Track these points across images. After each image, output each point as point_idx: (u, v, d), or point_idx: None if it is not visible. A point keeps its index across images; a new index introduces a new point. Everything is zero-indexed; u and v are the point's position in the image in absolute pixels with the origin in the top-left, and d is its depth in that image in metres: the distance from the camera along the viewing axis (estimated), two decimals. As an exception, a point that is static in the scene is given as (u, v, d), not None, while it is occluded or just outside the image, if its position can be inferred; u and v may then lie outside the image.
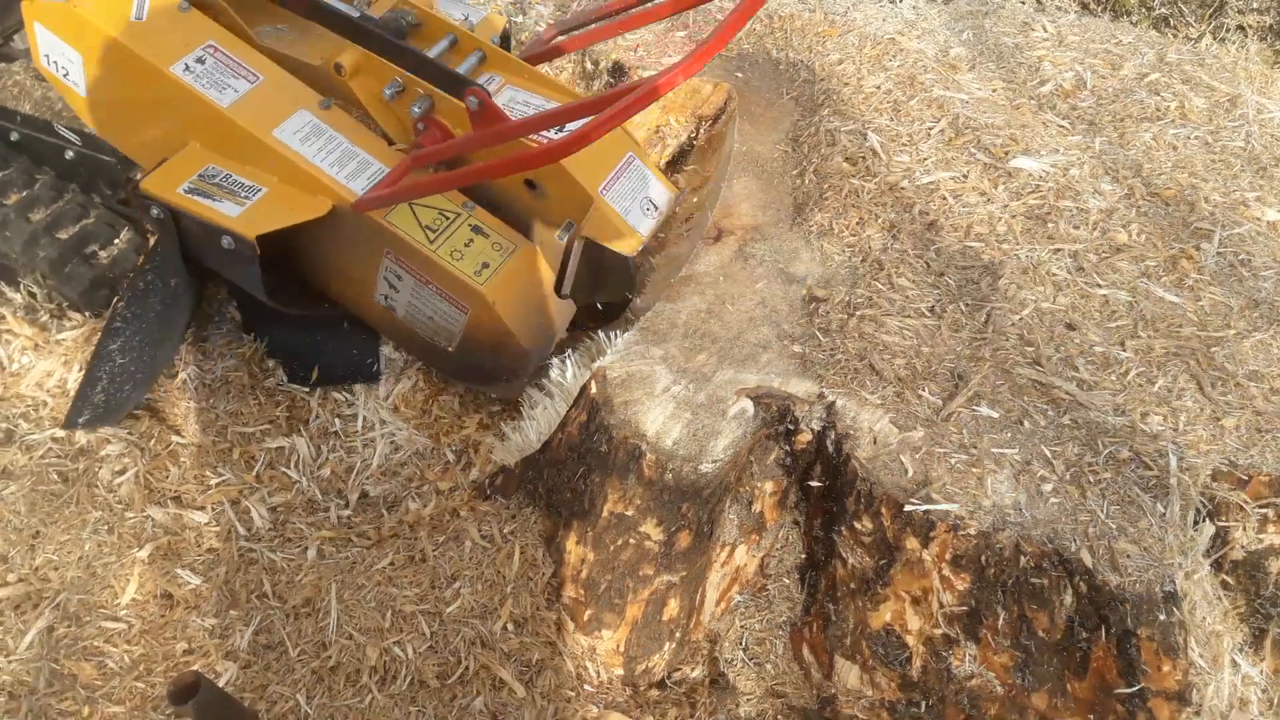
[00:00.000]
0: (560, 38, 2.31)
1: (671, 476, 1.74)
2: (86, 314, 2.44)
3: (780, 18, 2.76)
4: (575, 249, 2.04)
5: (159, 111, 1.98)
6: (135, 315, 2.25)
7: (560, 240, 2.05)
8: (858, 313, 1.94)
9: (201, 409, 2.24)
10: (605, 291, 2.13)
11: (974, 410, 1.79)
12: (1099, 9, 4.11)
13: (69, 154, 2.48)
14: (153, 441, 2.16)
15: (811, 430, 1.82)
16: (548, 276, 2.09)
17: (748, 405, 1.81)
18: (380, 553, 2.03)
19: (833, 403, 1.80)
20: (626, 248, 2.00)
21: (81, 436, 2.19)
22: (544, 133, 1.96)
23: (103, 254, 2.46)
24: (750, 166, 2.33)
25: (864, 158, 2.26)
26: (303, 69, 2.06)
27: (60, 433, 2.20)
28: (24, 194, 2.46)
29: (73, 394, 2.17)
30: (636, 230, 2.02)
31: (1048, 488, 1.65)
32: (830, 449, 1.79)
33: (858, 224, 2.13)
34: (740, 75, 2.56)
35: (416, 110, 1.97)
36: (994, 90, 2.55)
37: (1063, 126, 2.43)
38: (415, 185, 1.87)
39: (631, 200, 2.06)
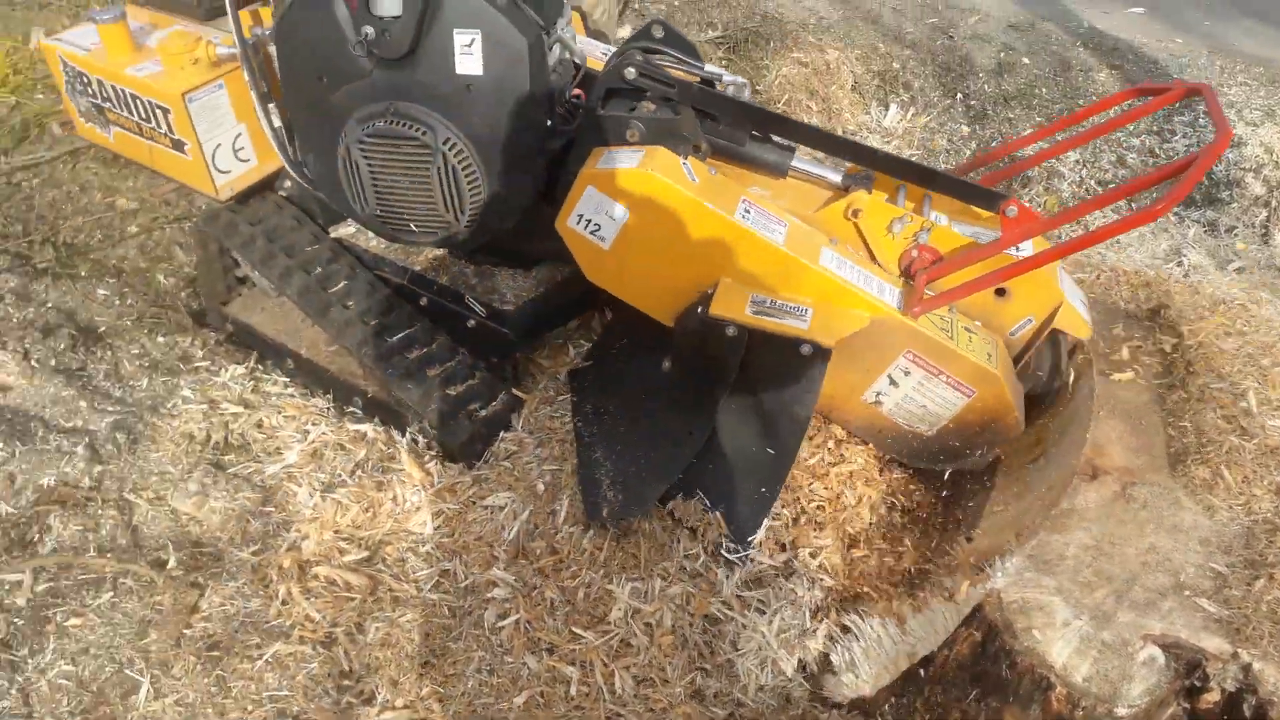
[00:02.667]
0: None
1: (1083, 714, 1.76)
2: (460, 464, 2.70)
3: (1124, 271, 2.92)
4: (1037, 338, 2.41)
5: (701, 257, 2.31)
6: (617, 425, 2.62)
7: (1014, 337, 2.42)
8: (1261, 575, 1.95)
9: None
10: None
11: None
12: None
13: (470, 323, 2.81)
14: (534, 591, 2.33)
15: (1223, 690, 1.81)
16: (1013, 368, 2.42)
17: (1157, 653, 1.82)
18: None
19: (1249, 665, 1.79)
20: (1085, 333, 2.40)
21: (464, 573, 2.38)
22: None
23: (483, 412, 2.74)
24: (1114, 408, 2.42)
25: (1237, 417, 2.31)
26: (800, 217, 2.41)
27: (449, 566, 2.40)
28: (425, 351, 2.79)
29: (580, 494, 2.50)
30: (1087, 321, 2.40)
31: None
32: (1247, 713, 1.77)
33: (1243, 482, 2.16)
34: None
35: (924, 237, 2.34)
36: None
37: None
38: (960, 289, 2.23)
39: (1074, 297, 2.42)
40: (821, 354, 2.21)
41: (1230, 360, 2.47)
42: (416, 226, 2.52)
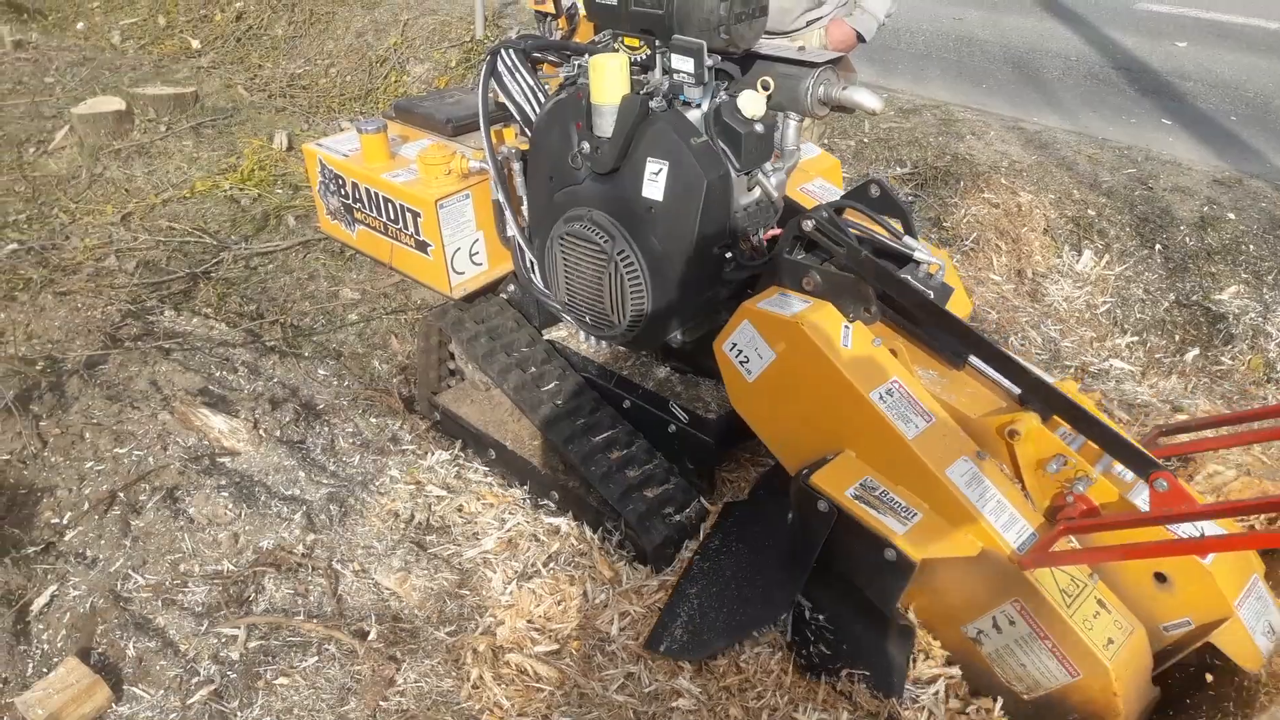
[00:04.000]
0: (1163, 439, 2.47)
1: None
2: (650, 566, 2.75)
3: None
4: (1189, 645, 2.10)
5: (831, 421, 2.27)
6: (721, 570, 2.57)
7: (1165, 633, 2.13)
8: None
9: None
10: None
11: None
12: None
13: (671, 428, 2.90)
14: (718, 706, 2.32)
15: None
16: (1148, 664, 2.11)
17: None
18: None
19: None
20: (1253, 664, 2.07)
21: (648, 679, 2.40)
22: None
23: (677, 517, 2.80)
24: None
25: None
26: (959, 418, 2.28)
27: (634, 669, 2.43)
28: (625, 452, 2.89)
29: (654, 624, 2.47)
30: (1260, 652, 2.08)
31: None
32: None
33: None
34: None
35: (1080, 488, 2.13)
36: None
37: None
38: (1093, 553, 2.02)
39: (1256, 621, 2.10)
40: (905, 565, 2.05)
41: None
42: (590, 319, 2.76)
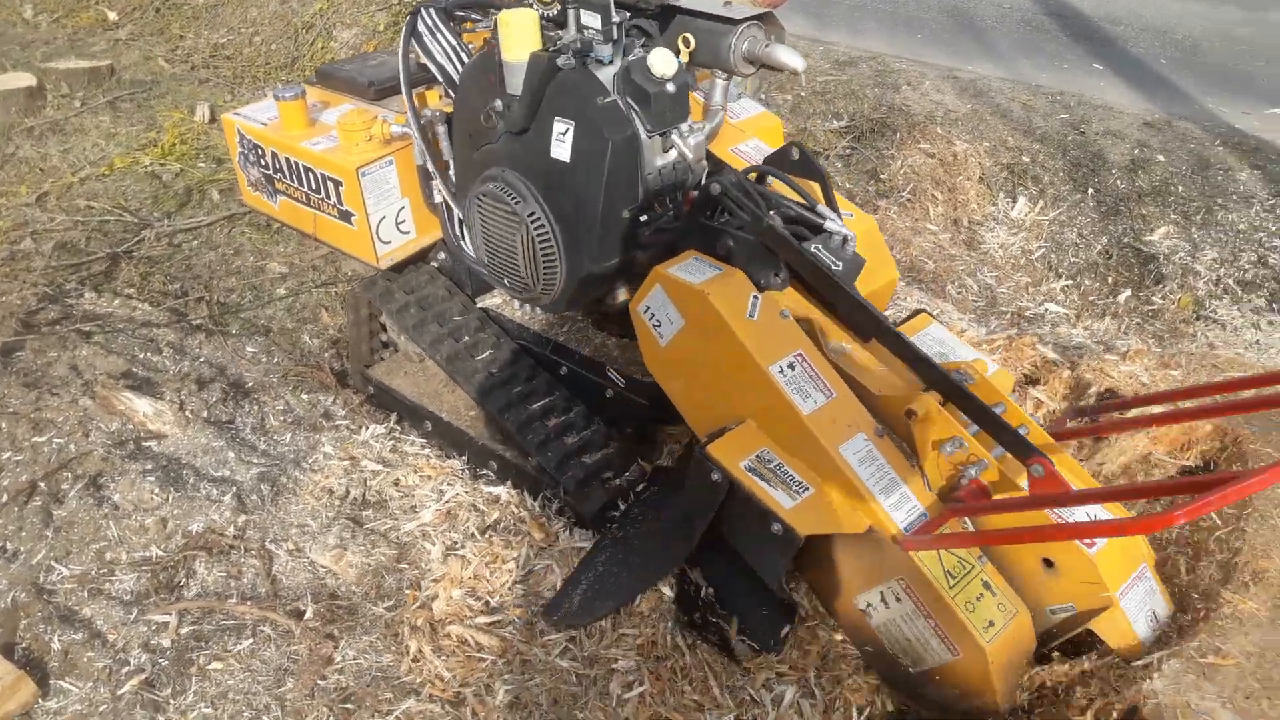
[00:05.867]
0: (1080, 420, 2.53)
1: (1254, 831, 1.64)
2: (590, 531, 2.72)
3: None
4: (1070, 631, 2.15)
5: (735, 391, 2.26)
6: (629, 539, 2.57)
7: (1051, 616, 2.15)
8: None
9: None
10: None
11: None
12: None
13: (609, 393, 2.87)
14: (661, 664, 2.31)
15: None
16: (1029, 646, 2.11)
17: (1334, 771, 1.71)
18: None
19: None
20: (1132, 652, 2.08)
21: (593, 646, 2.38)
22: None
23: (615, 481, 2.77)
24: (1275, 511, 2.31)
25: None
26: (863, 394, 2.26)
27: (575, 633, 2.41)
28: (562, 419, 2.85)
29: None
30: (1140, 640, 2.10)
31: None
32: None
33: None
34: (1246, 426, 2.59)
35: (974, 472, 2.08)
36: None
37: None
38: (963, 537, 2.01)
39: (1139, 611, 2.11)
40: (789, 540, 2.04)
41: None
42: (508, 281, 2.74)
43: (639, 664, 2.32)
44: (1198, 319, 4.12)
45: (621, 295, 2.78)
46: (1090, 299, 4.35)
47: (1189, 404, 2.40)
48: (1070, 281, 4.43)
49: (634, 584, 2.45)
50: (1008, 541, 2.02)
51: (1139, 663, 2.02)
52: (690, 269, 2.33)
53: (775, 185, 2.54)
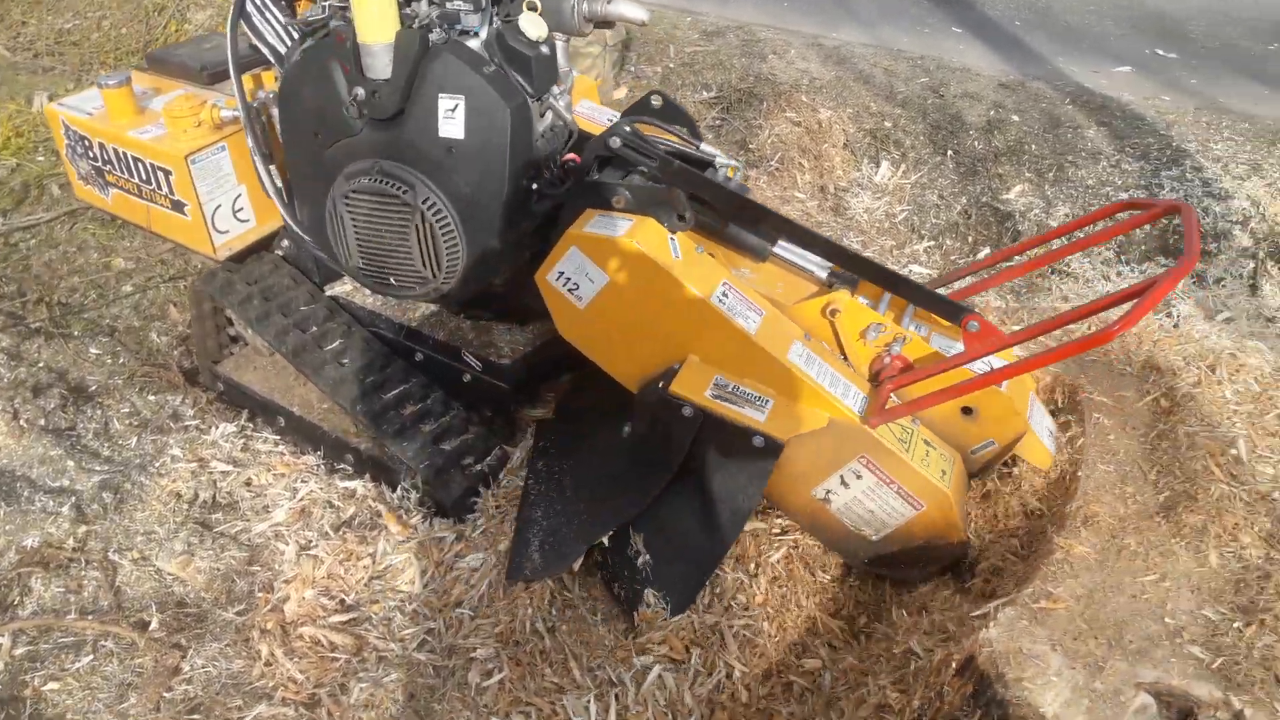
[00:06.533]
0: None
1: (1077, 766, 1.71)
2: (452, 519, 2.68)
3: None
4: (997, 462, 2.45)
5: (675, 331, 2.32)
6: (563, 488, 2.61)
7: (974, 455, 2.42)
8: (1253, 621, 1.91)
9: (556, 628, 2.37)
10: None
11: (1399, 744, 1.71)
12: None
13: (466, 377, 2.82)
14: (520, 649, 2.29)
15: (1218, 738, 1.77)
16: (967, 484, 2.46)
17: (1149, 701, 1.79)
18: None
19: (1241, 711, 1.75)
20: (1045, 464, 2.46)
21: (451, 636, 2.35)
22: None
23: (476, 467, 2.73)
24: (1106, 457, 2.40)
25: (1228, 464, 2.29)
26: (780, 307, 2.41)
27: (434, 625, 2.37)
28: (419, 407, 2.79)
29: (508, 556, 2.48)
30: (1050, 451, 2.45)
31: None
32: (1242, 762, 1.72)
33: (1234, 528, 2.13)
34: (1083, 376, 2.69)
35: (897, 348, 2.34)
36: (1341, 414, 2.57)
37: None
38: (921, 400, 2.23)
39: (1041, 429, 2.45)
40: (773, 448, 2.19)
41: (1219, 409, 2.46)
42: (396, 280, 2.54)
43: (498, 651, 2.29)
44: (1052, 273, 4.26)
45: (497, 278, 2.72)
46: (952, 258, 4.47)
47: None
48: (933, 242, 4.54)
49: (603, 523, 2.42)
50: (953, 396, 2.20)
51: (977, 612, 2.08)
52: (602, 225, 2.34)
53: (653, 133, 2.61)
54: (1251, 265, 3.99)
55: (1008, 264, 2.90)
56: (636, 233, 2.29)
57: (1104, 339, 1.93)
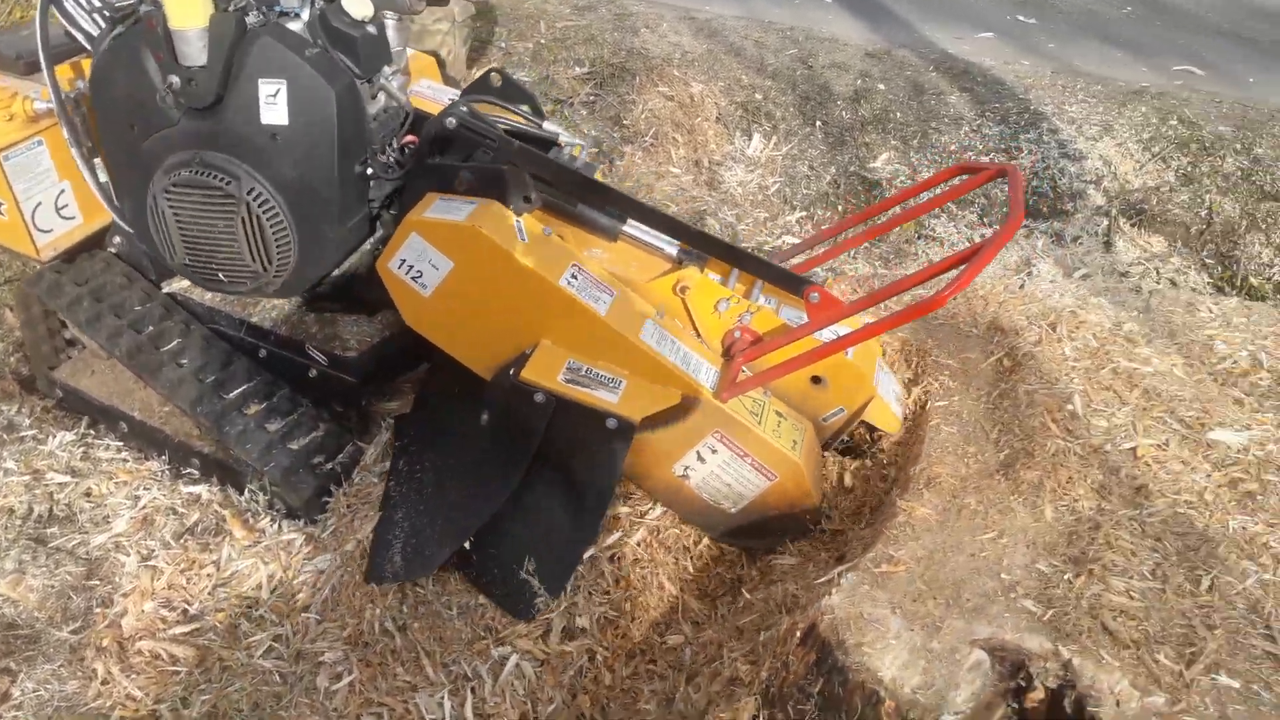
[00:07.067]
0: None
1: (911, 726, 1.73)
2: (303, 521, 2.59)
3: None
4: (847, 428, 2.52)
5: (524, 316, 2.30)
6: (422, 486, 2.54)
7: (825, 423, 2.48)
8: (1082, 572, 1.97)
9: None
10: None
11: (1213, 679, 1.77)
12: (1232, 292, 4.27)
13: (312, 372, 2.72)
14: (370, 650, 2.23)
15: (1046, 688, 1.81)
16: (820, 451, 2.54)
17: (983, 657, 1.82)
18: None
19: (1069, 661, 1.80)
20: (894, 428, 2.54)
21: (299, 641, 2.27)
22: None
23: (327, 465, 2.64)
24: (950, 419, 2.44)
25: (1064, 419, 2.35)
26: (632, 286, 2.41)
27: (281, 630, 2.29)
28: (264, 405, 2.69)
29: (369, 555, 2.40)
30: (898, 416, 2.54)
31: (1314, 769, 1.60)
32: (1069, 709, 1.77)
33: (1068, 482, 2.19)
34: (930, 339, 2.73)
35: (747, 318, 2.39)
36: (1174, 365, 2.66)
37: (1251, 403, 2.51)
38: (770, 372, 2.26)
39: (889, 394, 2.53)
40: (626, 429, 2.19)
41: (1058, 365, 2.53)
42: (225, 276, 2.43)
43: (346, 653, 2.22)
44: (919, 238, 4.34)
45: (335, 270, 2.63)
46: (822, 228, 4.51)
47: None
48: (804, 213, 4.57)
49: (466, 520, 2.35)
50: (800, 366, 2.22)
51: (822, 579, 2.09)
52: (443, 209, 2.29)
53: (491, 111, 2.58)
54: (1105, 223, 4.13)
55: (854, 231, 3.01)
56: (479, 216, 2.24)
57: (935, 304, 1.97)
